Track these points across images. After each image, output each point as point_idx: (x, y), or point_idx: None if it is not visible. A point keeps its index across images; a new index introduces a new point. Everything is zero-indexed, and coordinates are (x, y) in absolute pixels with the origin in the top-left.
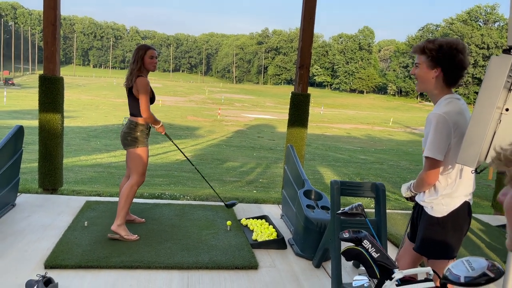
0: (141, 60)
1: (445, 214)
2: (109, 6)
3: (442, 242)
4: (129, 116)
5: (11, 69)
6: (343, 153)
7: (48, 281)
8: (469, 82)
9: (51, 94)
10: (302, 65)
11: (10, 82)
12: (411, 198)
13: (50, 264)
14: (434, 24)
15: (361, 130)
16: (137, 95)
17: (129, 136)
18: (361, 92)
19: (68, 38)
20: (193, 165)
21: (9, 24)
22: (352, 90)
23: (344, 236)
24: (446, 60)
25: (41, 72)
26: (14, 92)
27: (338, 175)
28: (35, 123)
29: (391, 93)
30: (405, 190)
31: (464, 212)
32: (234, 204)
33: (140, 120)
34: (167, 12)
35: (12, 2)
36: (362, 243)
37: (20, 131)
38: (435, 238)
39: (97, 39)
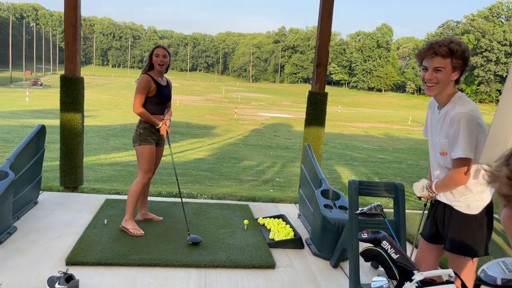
0: (149, 59)
1: (480, 210)
2: (128, 7)
3: (480, 239)
4: None
5: (33, 69)
6: (360, 152)
7: (69, 278)
8: (491, 79)
9: (72, 94)
10: (319, 63)
11: (39, 83)
12: (425, 198)
13: (71, 261)
14: (455, 20)
15: (379, 129)
16: None
17: (134, 133)
18: (379, 90)
19: (88, 38)
20: (175, 173)
21: (31, 25)
22: (370, 89)
23: (363, 236)
24: (466, 64)
25: (62, 72)
26: (36, 92)
27: (356, 175)
28: (56, 122)
29: (410, 91)
30: (420, 190)
31: (492, 207)
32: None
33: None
34: (184, 12)
35: (33, 4)
36: (381, 244)
37: (42, 130)
38: (474, 235)
39: (116, 39)
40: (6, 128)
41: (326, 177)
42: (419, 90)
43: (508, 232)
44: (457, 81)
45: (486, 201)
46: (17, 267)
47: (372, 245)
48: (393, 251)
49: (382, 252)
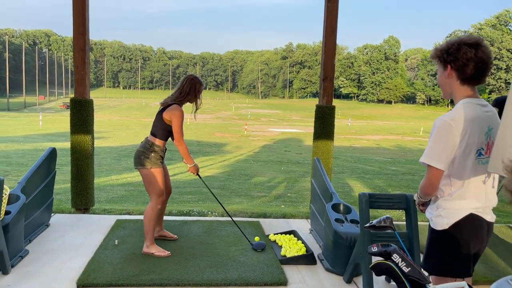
0: (191, 91)
1: (446, 227)
2: (137, 29)
3: (445, 258)
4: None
5: (46, 94)
6: (372, 165)
7: None
8: (502, 87)
9: (81, 116)
10: (325, 77)
11: (66, 107)
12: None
13: (82, 283)
14: (462, 30)
15: (391, 141)
16: (167, 119)
17: (141, 156)
18: (389, 102)
19: (99, 62)
20: (213, 195)
21: (43, 51)
22: (380, 101)
23: (373, 250)
24: (450, 55)
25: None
26: (49, 115)
27: (368, 188)
28: (68, 144)
29: (420, 102)
30: (416, 197)
31: (470, 226)
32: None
33: (157, 142)
34: (192, 32)
35: (45, 30)
36: (392, 257)
37: (53, 153)
38: (437, 253)
39: (126, 62)
40: (20, 152)
41: (339, 191)
42: (429, 101)
43: None
44: (462, 79)
45: (455, 219)
46: None
47: (382, 259)
48: (404, 264)
49: (393, 266)
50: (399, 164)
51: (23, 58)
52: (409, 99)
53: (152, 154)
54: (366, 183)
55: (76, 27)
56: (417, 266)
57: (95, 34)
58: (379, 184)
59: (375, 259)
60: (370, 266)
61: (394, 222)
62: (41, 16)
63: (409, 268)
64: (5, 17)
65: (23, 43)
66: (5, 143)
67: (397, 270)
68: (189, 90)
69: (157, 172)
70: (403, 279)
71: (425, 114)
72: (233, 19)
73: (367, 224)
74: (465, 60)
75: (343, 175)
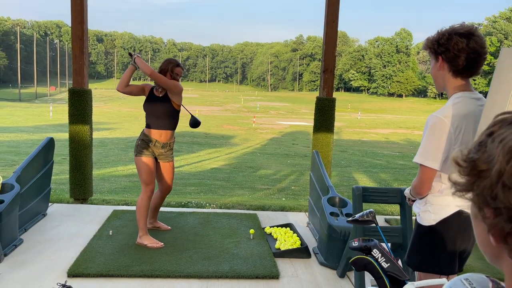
0: (166, 72)
1: (433, 223)
2: (148, 21)
3: (430, 254)
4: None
5: (57, 84)
6: (380, 159)
7: None
8: None
9: (79, 106)
10: (326, 69)
11: None
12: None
13: (73, 272)
14: (476, 23)
15: (400, 135)
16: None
17: (135, 143)
18: (400, 95)
19: (109, 53)
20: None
21: (54, 42)
22: (390, 94)
23: (354, 245)
24: (441, 46)
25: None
26: (60, 106)
27: (375, 182)
28: None
29: (432, 96)
30: (408, 193)
31: (457, 223)
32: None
33: (145, 130)
34: (202, 24)
35: (57, 21)
36: (372, 252)
37: (50, 143)
38: (422, 248)
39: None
40: (29, 142)
41: (343, 184)
42: (441, 95)
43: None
44: (453, 71)
45: (442, 215)
46: (19, 279)
47: (363, 254)
48: (384, 260)
49: (373, 261)
50: (408, 159)
51: (35, 49)
52: (420, 92)
53: (139, 142)
54: (372, 177)
55: (74, 16)
56: (397, 262)
57: (105, 26)
58: (385, 178)
59: (357, 254)
60: (350, 261)
61: (389, 217)
62: (52, 7)
63: (388, 264)
64: (16, 8)
65: (35, 34)
66: (15, 133)
67: (376, 265)
68: (166, 71)
69: (141, 160)
70: (382, 274)
71: (436, 108)
72: (244, 11)
73: (350, 219)
74: (456, 51)
75: (350, 168)
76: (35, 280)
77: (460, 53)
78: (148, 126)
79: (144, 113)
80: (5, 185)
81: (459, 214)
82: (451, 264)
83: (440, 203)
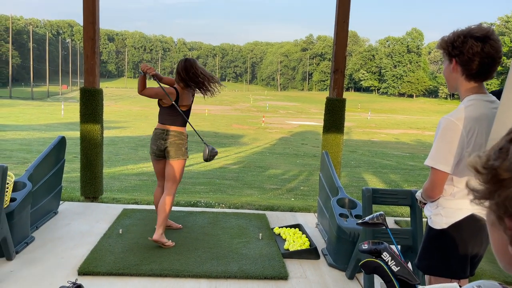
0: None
1: (445, 226)
2: (158, 20)
3: (441, 258)
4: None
5: (68, 83)
6: (390, 159)
7: (78, 287)
8: None
9: (91, 106)
10: (336, 69)
11: None
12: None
13: (83, 271)
14: (488, 22)
15: (411, 135)
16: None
17: (180, 146)
18: (410, 96)
19: (120, 52)
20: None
21: (67, 41)
22: (401, 94)
23: (363, 247)
24: (455, 49)
25: None
26: (72, 105)
27: (384, 182)
28: None
29: (443, 96)
30: (419, 195)
31: (469, 227)
32: None
33: (186, 131)
34: (212, 23)
35: (69, 20)
36: (381, 255)
37: (62, 141)
38: (433, 252)
39: (146, 52)
40: (41, 140)
41: (353, 185)
42: (452, 95)
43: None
44: (466, 75)
45: (454, 218)
46: (30, 277)
47: (372, 257)
48: (394, 263)
49: (383, 264)
50: (418, 159)
51: (47, 48)
52: (431, 93)
53: (187, 144)
54: (381, 178)
55: (86, 16)
56: (407, 266)
57: (116, 25)
58: (395, 179)
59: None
60: (360, 264)
61: (399, 219)
62: (65, 6)
63: (399, 267)
64: (29, 7)
65: (47, 33)
66: (27, 131)
67: (386, 269)
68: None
69: (185, 163)
70: (392, 278)
71: (448, 108)
72: (254, 10)
73: (360, 221)
74: (470, 55)
75: (359, 169)
76: (46, 277)
77: (474, 57)
78: (184, 125)
79: (154, 112)
80: (17, 183)
81: (471, 218)
82: (462, 268)
83: (452, 207)
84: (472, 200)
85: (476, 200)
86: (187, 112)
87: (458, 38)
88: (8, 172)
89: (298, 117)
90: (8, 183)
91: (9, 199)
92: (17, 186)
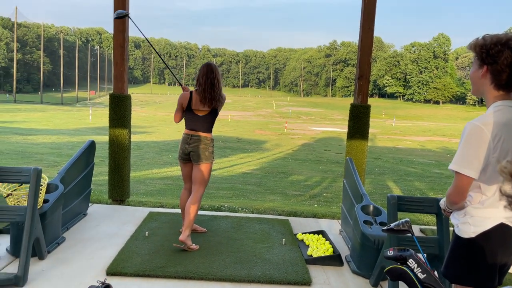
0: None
1: (473, 235)
2: (183, 27)
3: (468, 267)
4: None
5: (96, 89)
6: (415, 167)
7: (107, 287)
8: None
9: (119, 111)
10: (361, 75)
11: None
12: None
13: (111, 271)
14: None
15: (437, 143)
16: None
17: (206, 150)
18: (437, 102)
19: (146, 59)
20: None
21: (95, 48)
22: (427, 101)
23: (389, 254)
24: (490, 57)
25: None
26: (99, 110)
27: (409, 190)
28: None
29: (471, 102)
30: (443, 204)
31: (498, 236)
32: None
33: (212, 136)
34: (236, 30)
35: (97, 28)
36: (407, 262)
37: (91, 146)
38: (461, 261)
39: (171, 59)
40: (70, 144)
41: (377, 192)
42: (481, 101)
43: None
44: (496, 84)
45: (483, 227)
46: (61, 276)
47: (398, 263)
48: (420, 270)
49: (408, 271)
50: (444, 167)
51: (77, 55)
52: (459, 99)
53: (212, 148)
54: (406, 186)
55: (116, 24)
56: (433, 273)
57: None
58: (420, 187)
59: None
60: (385, 270)
61: (425, 227)
62: (94, 15)
63: (425, 275)
64: (60, 16)
65: (77, 40)
66: (57, 135)
67: (412, 275)
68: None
69: (212, 166)
70: (418, 285)
71: (476, 115)
72: (277, 17)
73: (385, 228)
74: (504, 65)
75: (384, 176)
76: (76, 277)
77: (507, 68)
78: (207, 130)
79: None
80: (50, 185)
81: (501, 227)
82: (490, 278)
83: (481, 215)
84: (506, 206)
85: (511, 206)
86: (207, 117)
87: (495, 47)
88: (42, 175)
89: (321, 123)
90: (41, 185)
91: (42, 201)
92: (49, 188)
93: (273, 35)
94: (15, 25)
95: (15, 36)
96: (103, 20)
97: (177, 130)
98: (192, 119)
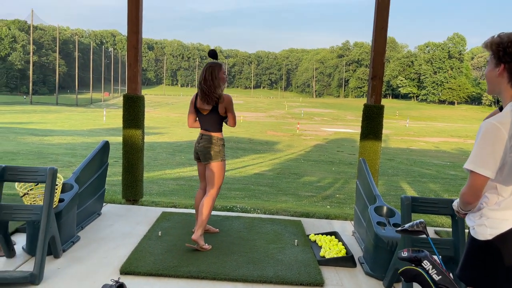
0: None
1: (490, 238)
2: (196, 29)
3: (485, 270)
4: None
5: (110, 90)
6: (430, 168)
7: (120, 286)
8: None
9: (133, 112)
10: (374, 76)
11: None
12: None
13: (125, 270)
14: None
15: (452, 144)
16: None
17: (214, 149)
18: (452, 103)
19: (159, 60)
20: None
21: (109, 50)
22: (441, 101)
23: (403, 255)
24: (507, 56)
25: None
26: (113, 111)
27: (423, 192)
28: None
29: (487, 103)
30: (456, 206)
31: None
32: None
33: (222, 135)
34: (248, 31)
35: (111, 30)
36: (422, 264)
37: (105, 146)
38: (477, 263)
39: (184, 60)
40: (84, 145)
41: (390, 193)
42: (497, 102)
43: None
44: None
45: (500, 229)
46: (75, 274)
47: (412, 265)
48: (435, 272)
49: (423, 273)
50: (459, 169)
51: (91, 56)
52: (474, 100)
53: (222, 147)
54: (420, 187)
55: (130, 26)
56: (449, 275)
57: (156, 34)
58: (434, 188)
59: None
60: (399, 271)
61: (439, 229)
62: (108, 17)
63: (440, 276)
64: (75, 18)
65: (91, 42)
66: (72, 136)
67: (427, 277)
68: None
69: (225, 165)
70: (433, 287)
71: None
72: (289, 18)
73: (399, 228)
74: None
75: (397, 177)
76: (90, 275)
77: None
78: (221, 130)
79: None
80: (65, 185)
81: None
82: (508, 280)
83: (498, 217)
84: None
85: None
86: (211, 116)
87: (505, 42)
88: (57, 174)
89: (333, 124)
90: (57, 185)
91: (57, 200)
92: (65, 188)
93: (285, 36)
94: (31, 28)
95: (31, 38)
96: (117, 22)
97: (190, 131)
98: (200, 119)
